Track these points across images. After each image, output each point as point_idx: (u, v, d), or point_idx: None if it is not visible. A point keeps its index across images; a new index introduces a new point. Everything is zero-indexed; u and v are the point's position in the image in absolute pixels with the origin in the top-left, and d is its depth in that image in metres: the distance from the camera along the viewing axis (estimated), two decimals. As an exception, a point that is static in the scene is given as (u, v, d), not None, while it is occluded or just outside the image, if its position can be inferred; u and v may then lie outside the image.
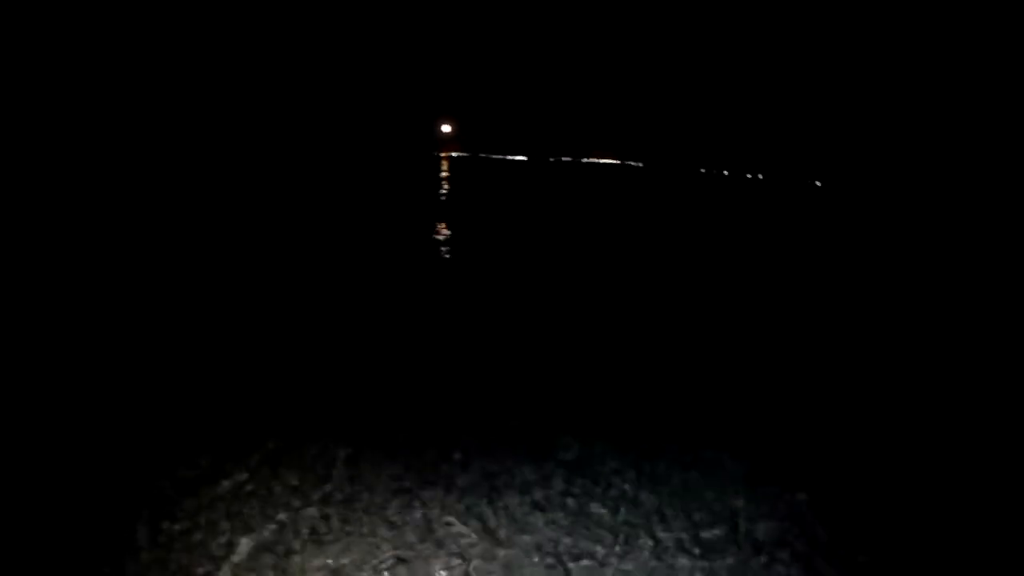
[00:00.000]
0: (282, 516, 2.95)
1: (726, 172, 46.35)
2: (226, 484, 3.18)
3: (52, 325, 5.58)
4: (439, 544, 2.74)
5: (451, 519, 2.95)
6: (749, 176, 43.20)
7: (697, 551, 2.94)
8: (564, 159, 58.71)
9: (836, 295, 8.69)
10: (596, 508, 3.18)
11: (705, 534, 3.04)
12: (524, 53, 54.92)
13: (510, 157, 57.65)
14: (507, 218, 14.05)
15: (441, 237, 10.60)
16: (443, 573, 2.69)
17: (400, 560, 2.72)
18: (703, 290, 8.21)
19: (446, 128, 53.83)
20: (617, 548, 2.85)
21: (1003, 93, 29.50)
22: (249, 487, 3.14)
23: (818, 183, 36.11)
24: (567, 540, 2.87)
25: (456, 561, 2.76)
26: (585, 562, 2.79)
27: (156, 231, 10.14)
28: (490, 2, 51.47)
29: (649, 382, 4.95)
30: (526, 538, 2.87)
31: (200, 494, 3.04)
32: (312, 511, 3.05)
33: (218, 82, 36.73)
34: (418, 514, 3.11)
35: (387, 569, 2.68)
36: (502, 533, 2.90)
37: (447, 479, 3.24)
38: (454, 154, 54.66)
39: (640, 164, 56.55)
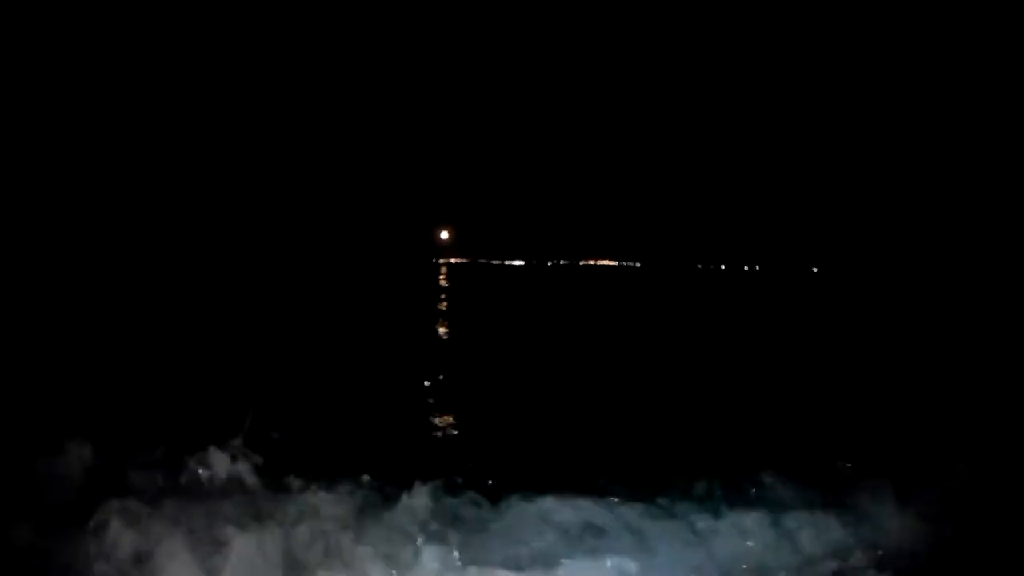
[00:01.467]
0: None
1: (723, 267, 46.76)
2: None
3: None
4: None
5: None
6: (746, 268, 43.58)
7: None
8: (562, 262, 59.28)
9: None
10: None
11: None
12: (520, 161, 56.72)
13: (508, 262, 58.18)
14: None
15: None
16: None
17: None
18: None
19: (444, 235, 54.70)
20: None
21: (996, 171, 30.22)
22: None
23: (815, 269, 36.39)
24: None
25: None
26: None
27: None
28: (485, 113, 53.67)
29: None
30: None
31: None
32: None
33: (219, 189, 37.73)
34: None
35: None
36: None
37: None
38: (452, 261, 55.15)
39: (637, 264, 57.07)
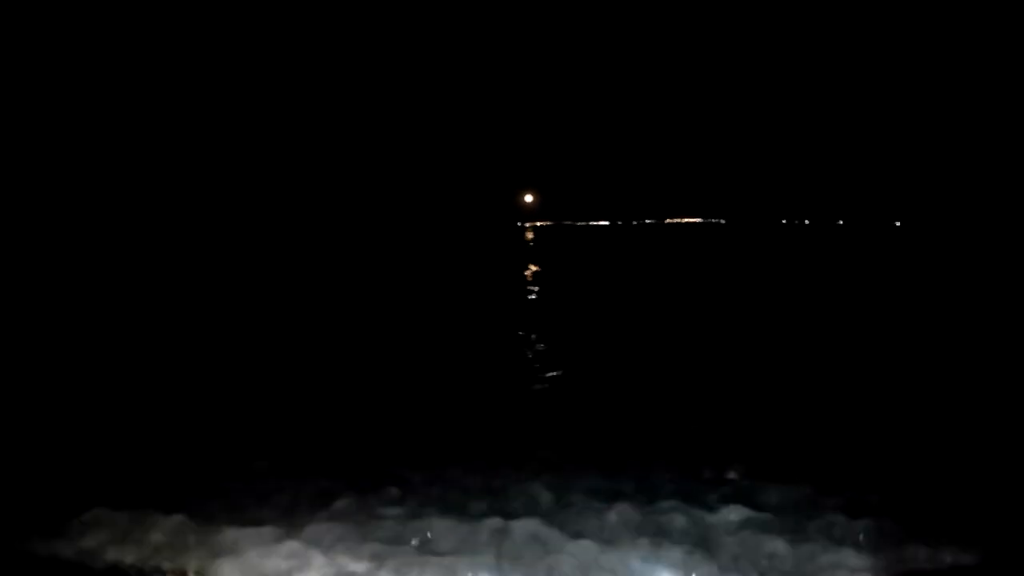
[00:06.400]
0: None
1: (807, 221, 46.26)
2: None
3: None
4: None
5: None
6: (829, 223, 43.03)
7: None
8: (647, 222, 59.47)
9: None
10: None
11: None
12: (602, 122, 57.01)
13: (593, 223, 58.89)
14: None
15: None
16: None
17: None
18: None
19: (528, 198, 55.80)
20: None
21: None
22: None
23: (897, 223, 35.78)
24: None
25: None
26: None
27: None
28: (568, 77, 54.17)
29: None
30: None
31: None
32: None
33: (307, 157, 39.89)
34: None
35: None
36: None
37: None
38: (538, 224, 56.19)
39: (723, 221, 56.71)
